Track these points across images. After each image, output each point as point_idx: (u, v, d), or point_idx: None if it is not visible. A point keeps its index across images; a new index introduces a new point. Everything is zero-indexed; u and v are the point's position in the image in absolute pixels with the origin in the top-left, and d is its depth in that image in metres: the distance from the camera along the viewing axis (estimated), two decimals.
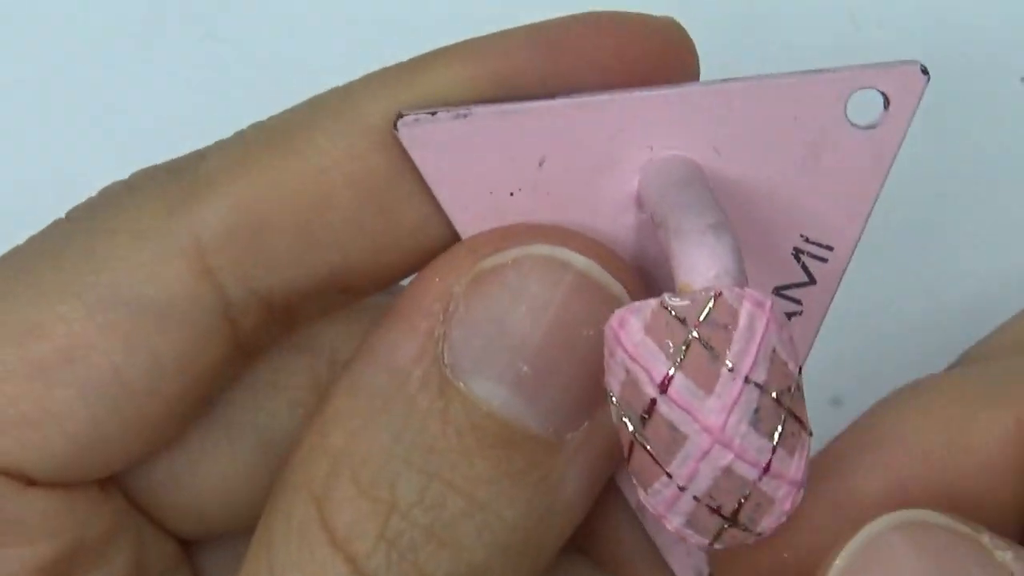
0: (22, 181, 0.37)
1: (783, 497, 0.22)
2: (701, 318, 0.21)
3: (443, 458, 0.24)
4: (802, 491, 0.22)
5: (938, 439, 0.24)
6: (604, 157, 0.25)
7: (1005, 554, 0.20)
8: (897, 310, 0.36)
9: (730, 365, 0.21)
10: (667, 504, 0.22)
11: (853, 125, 0.25)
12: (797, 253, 0.26)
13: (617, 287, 0.24)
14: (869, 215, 0.25)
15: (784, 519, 0.22)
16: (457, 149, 0.24)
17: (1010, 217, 0.36)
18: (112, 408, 0.24)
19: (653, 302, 0.21)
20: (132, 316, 0.24)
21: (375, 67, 0.25)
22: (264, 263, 0.24)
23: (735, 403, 0.21)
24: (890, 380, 0.27)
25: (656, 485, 0.22)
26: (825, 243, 0.25)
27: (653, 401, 0.21)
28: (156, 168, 0.25)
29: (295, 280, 0.25)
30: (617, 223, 0.25)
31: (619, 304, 0.24)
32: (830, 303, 0.26)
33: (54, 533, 0.25)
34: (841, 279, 0.26)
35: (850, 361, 0.36)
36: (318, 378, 0.28)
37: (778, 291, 0.26)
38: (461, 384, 0.24)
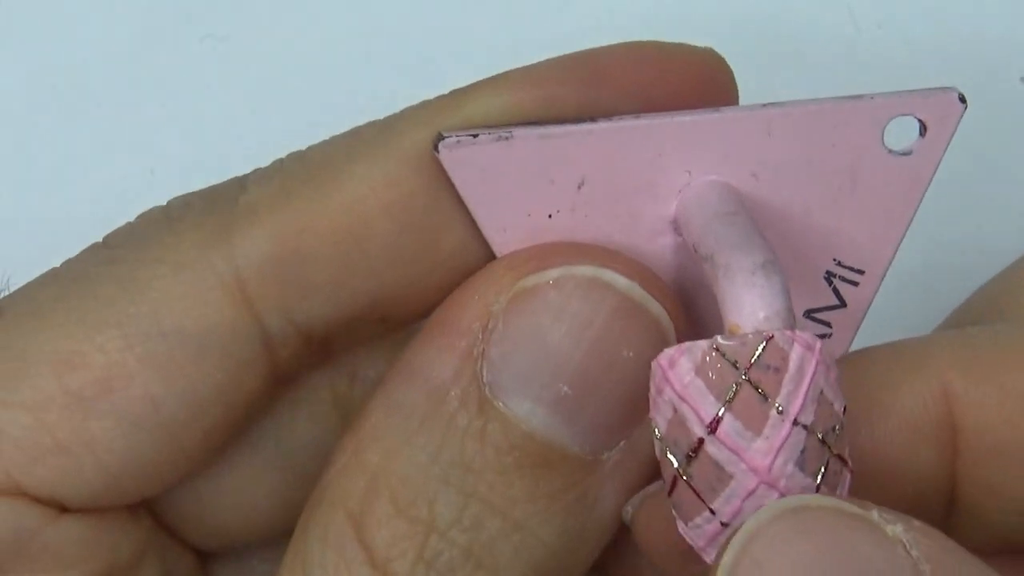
0: (22, 183, 0.35)
1: None
2: (752, 361, 0.20)
3: (481, 478, 0.22)
4: None
5: (861, 400, 0.23)
6: (643, 180, 0.23)
7: (896, 527, 0.19)
8: (892, 307, 0.35)
9: (779, 407, 0.20)
10: (708, 538, 0.21)
11: (890, 151, 0.23)
12: (829, 277, 0.24)
13: (658, 308, 0.23)
14: (902, 239, 0.24)
15: None
16: (497, 171, 0.23)
17: (1009, 216, 0.35)
18: (149, 438, 0.23)
19: (704, 343, 0.20)
20: (171, 347, 0.23)
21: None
22: (304, 294, 0.23)
23: (783, 445, 0.20)
24: None
25: (697, 520, 0.21)
26: (857, 267, 0.24)
27: (701, 440, 0.20)
28: (194, 196, 0.24)
29: (334, 310, 0.23)
30: (654, 245, 0.24)
31: (660, 326, 0.23)
32: (859, 326, 0.25)
33: (86, 559, 0.23)
34: (871, 302, 0.25)
35: None
36: (339, 393, 0.26)
37: (808, 314, 0.25)
38: (500, 403, 0.22)
